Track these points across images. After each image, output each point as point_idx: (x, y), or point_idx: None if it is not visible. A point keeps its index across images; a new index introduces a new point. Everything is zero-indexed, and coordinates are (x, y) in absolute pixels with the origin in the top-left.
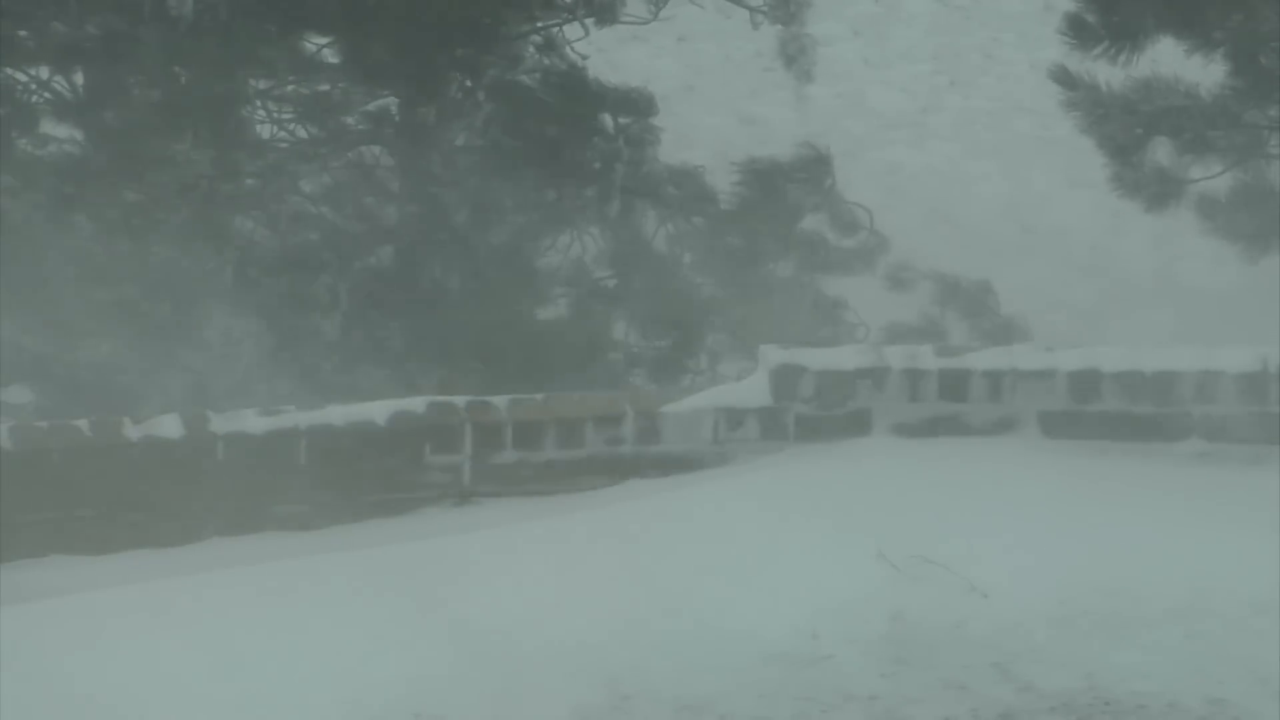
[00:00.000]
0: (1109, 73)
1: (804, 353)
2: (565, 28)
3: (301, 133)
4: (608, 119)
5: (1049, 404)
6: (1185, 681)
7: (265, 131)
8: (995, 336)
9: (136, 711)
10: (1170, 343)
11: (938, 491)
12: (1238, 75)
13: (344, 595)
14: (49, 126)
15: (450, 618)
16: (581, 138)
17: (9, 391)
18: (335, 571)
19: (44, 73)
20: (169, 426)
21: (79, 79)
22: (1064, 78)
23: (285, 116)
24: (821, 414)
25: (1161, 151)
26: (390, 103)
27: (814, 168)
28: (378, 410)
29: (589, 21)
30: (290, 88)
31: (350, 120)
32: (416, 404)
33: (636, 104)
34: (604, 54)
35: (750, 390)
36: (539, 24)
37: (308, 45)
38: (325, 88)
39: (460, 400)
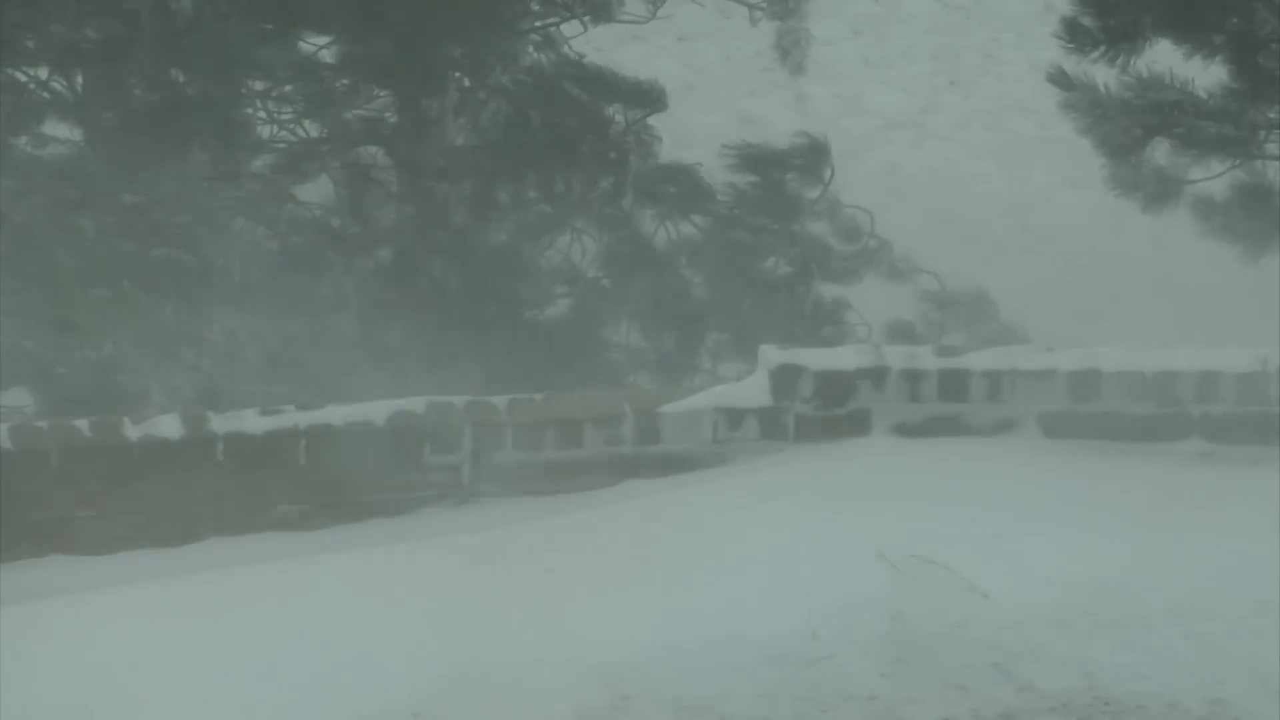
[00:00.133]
0: (1106, 74)
1: (804, 353)
2: (563, 26)
3: (301, 133)
4: (621, 110)
5: (1049, 404)
6: (1185, 681)
7: (265, 132)
8: (994, 337)
9: (136, 711)
10: (1170, 343)
11: (938, 491)
12: (1237, 77)
13: (343, 595)
14: (49, 127)
15: (450, 618)
16: (600, 127)
17: (9, 394)
18: (335, 571)
19: (43, 73)
20: (169, 426)
21: (78, 79)
22: (1061, 80)
23: (285, 116)
24: (821, 414)
25: (1160, 152)
26: (389, 102)
27: (811, 156)
28: (377, 410)
29: (586, 19)
30: (289, 87)
31: (349, 120)
32: (416, 404)
33: (649, 95)
34: (603, 53)
35: (750, 390)
36: (537, 22)
37: (306, 45)
38: (324, 87)
39: (460, 400)
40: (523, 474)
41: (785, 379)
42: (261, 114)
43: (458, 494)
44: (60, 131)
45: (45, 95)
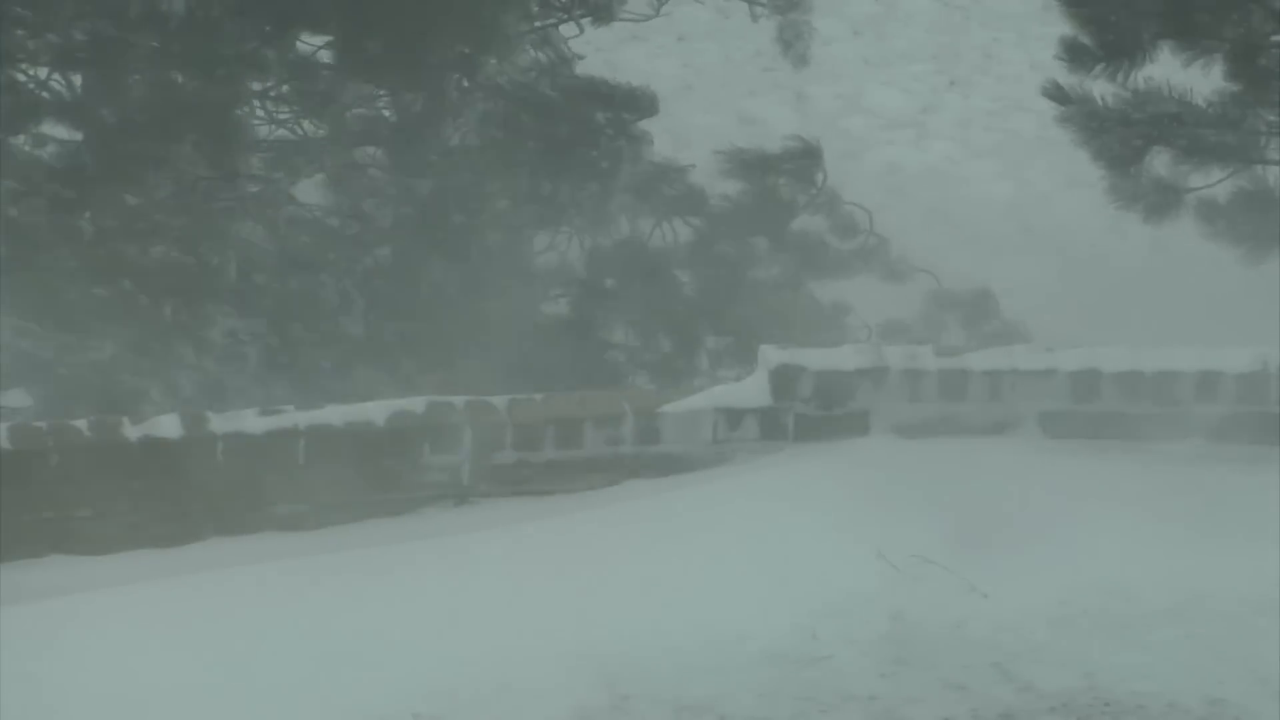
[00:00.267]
0: (1103, 86)
1: (803, 353)
2: (561, 27)
3: (299, 132)
4: (612, 117)
5: (1049, 404)
6: (1185, 681)
7: (262, 132)
8: (994, 336)
9: (136, 711)
10: (1170, 343)
11: (938, 491)
12: (1236, 81)
13: (343, 595)
14: (48, 127)
15: (449, 618)
16: (591, 135)
17: (9, 395)
18: (334, 572)
19: (42, 73)
20: (168, 427)
21: (77, 79)
22: (1057, 94)
23: (282, 116)
24: (821, 414)
25: (1159, 161)
26: (387, 102)
27: (804, 159)
28: (377, 410)
29: (585, 20)
30: (286, 87)
31: (347, 119)
32: (416, 404)
33: (640, 102)
34: (602, 53)
35: (750, 390)
36: (537, 23)
37: (304, 45)
38: (322, 87)
39: (459, 400)
40: (522, 474)
41: (785, 379)
42: (260, 114)
43: (457, 494)
44: (59, 132)
45: (45, 95)
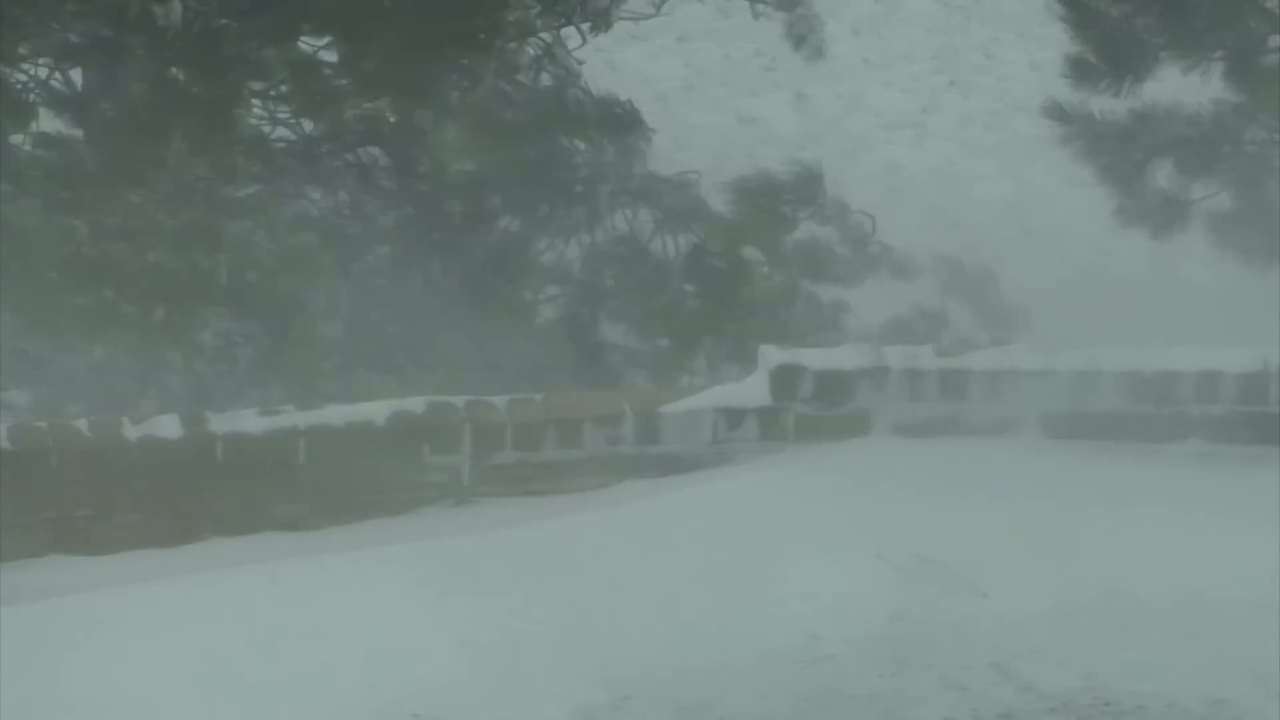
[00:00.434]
0: (1102, 102)
1: (803, 353)
2: (561, 32)
3: (299, 133)
4: (589, 140)
5: (1049, 404)
6: (1185, 681)
7: (264, 132)
8: (995, 336)
9: (136, 711)
10: (1170, 343)
11: (938, 491)
12: (1235, 85)
13: (343, 595)
14: (47, 126)
15: (449, 618)
16: (562, 160)
17: (8, 394)
18: (334, 572)
19: (41, 72)
20: (168, 427)
21: (77, 79)
22: (1058, 113)
23: (282, 116)
24: (821, 414)
25: (1162, 174)
26: (387, 104)
27: (804, 185)
28: (377, 410)
29: (585, 27)
30: (285, 88)
31: (347, 120)
32: (415, 404)
33: (621, 121)
34: (602, 54)
35: (749, 390)
36: (537, 26)
37: (304, 46)
38: (322, 88)
39: (459, 400)
40: (522, 474)
41: (785, 379)
42: (262, 114)
43: (457, 494)
44: (56, 132)
45: (44, 95)
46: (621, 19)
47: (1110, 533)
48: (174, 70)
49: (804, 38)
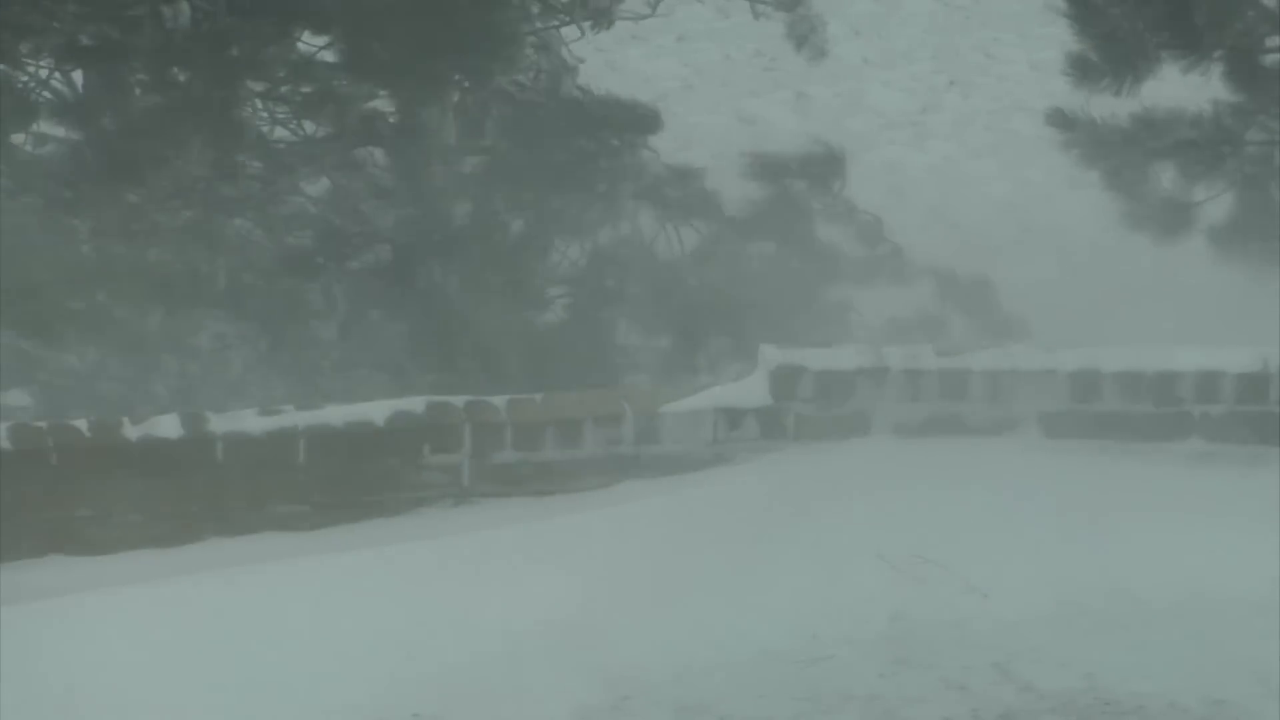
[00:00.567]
0: (1103, 106)
1: (803, 353)
2: (562, 29)
3: (299, 133)
4: (612, 140)
5: (1049, 404)
6: (1185, 681)
7: (264, 132)
8: (995, 336)
9: (136, 711)
10: (1170, 343)
11: (938, 492)
12: (1235, 85)
13: (343, 595)
14: (47, 126)
15: (449, 618)
16: (587, 162)
17: (8, 395)
18: (334, 571)
19: (42, 72)
20: (168, 426)
21: (78, 78)
22: (1060, 120)
23: (282, 115)
24: (821, 414)
25: (1165, 177)
26: (389, 103)
27: (824, 165)
28: (377, 410)
29: (585, 24)
30: (286, 87)
31: (349, 120)
32: (415, 404)
33: (643, 121)
34: (603, 54)
35: (749, 390)
36: (538, 24)
37: (305, 45)
38: (323, 87)
39: (459, 400)
40: (522, 474)
41: (785, 379)
42: (263, 114)
43: (457, 494)
44: (58, 132)
45: (45, 95)
46: (621, 19)
47: (1110, 533)
48: (176, 71)
49: (806, 38)
